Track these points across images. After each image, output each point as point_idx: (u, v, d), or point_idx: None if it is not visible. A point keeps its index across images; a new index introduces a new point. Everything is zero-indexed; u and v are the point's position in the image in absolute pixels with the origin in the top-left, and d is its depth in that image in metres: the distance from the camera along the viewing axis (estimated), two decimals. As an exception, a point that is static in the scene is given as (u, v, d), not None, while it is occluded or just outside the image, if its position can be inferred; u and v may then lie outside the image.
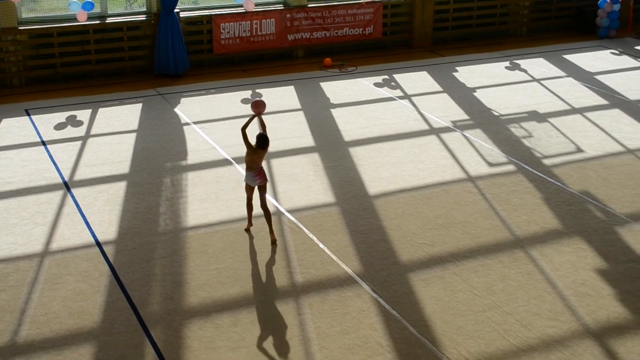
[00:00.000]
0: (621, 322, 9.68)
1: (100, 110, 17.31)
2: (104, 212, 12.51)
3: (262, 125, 11.92)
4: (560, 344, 9.22)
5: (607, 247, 11.45)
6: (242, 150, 14.99)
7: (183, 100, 18.01)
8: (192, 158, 14.70)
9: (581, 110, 17.46)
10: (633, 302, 10.07)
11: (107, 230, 11.94)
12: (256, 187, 11.57)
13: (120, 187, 13.46)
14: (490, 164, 14.46)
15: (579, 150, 15.17)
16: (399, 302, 10.08)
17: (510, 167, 14.33)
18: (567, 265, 10.98)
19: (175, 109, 17.35)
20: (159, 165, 14.38)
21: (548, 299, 10.15)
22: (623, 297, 10.21)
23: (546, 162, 14.57)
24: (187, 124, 16.47)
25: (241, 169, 14.10)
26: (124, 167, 14.27)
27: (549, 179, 13.77)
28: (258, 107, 11.75)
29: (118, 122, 16.58)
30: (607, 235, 11.82)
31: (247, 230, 11.90)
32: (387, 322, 9.60)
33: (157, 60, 19.53)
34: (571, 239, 11.72)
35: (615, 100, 18.21)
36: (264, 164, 11.98)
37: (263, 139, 11.37)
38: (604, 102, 18.09)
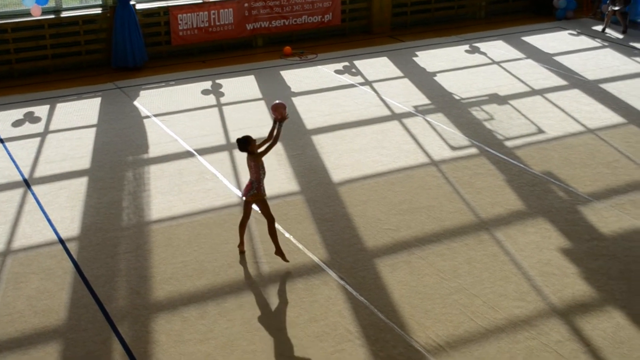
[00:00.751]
0: (586, 299, 9.77)
1: (59, 105, 17.09)
2: (66, 208, 12.37)
3: (271, 135, 10.49)
4: (527, 324, 9.29)
5: (570, 227, 11.55)
6: (204, 142, 14.96)
7: (142, 93, 17.85)
8: (153, 151, 14.58)
9: (541, 92, 17.58)
10: (597, 280, 10.18)
11: (70, 226, 11.80)
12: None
13: (82, 182, 13.31)
14: (453, 148, 14.51)
15: (540, 131, 15.28)
16: (366, 288, 10.08)
17: (473, 150, 14.40)
18: (532, 245, 11.06)
19: (135, 102, 17.19)
20: (120, 159, 14.24)
21: (514, 280, 10.22)
22: (587, 275, 10.31)
23: (508, 144, 14.66)
24: (148, 116, 16.32)
25: (204, 160, 14.02)
26: (84, 163, 14.11)
27: (512, 161, 13.86)
28: (278, 109, 10.37)
29: (77, 117, 16.39)
30: (570, 214, 11.92)
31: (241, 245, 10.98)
32: (355, 309, 9.60)
33: (115, 54, 19.32)
34: (535, 219, 11.80)
35: (574, 80, 18.37)
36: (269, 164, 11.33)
37: (237, 141, 10.40)
38: (563, 82, 18.24)
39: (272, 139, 10.37)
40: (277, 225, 11.58)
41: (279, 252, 10.53)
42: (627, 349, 8.81)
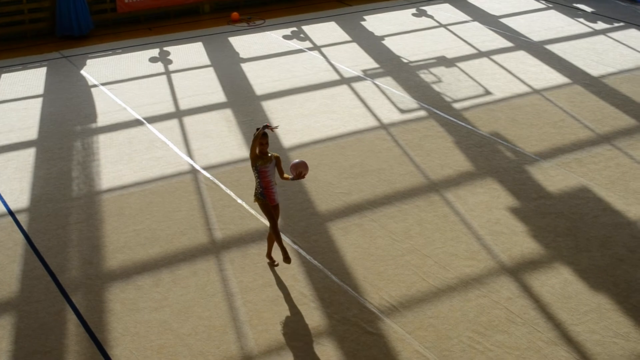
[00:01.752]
0: (535, 257, 9.97)
1: (3, 76, 16.80)
2: (14, 180, 12.22)
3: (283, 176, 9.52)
4: (478, 282, 9.46)
5: (518, 186, 11.74)
6: (153, 110, 14.85)
7: (89, 61, 17.61)
8: (102, 120, 14.43)
9: (488, 54, 17.73)
10: (545, 237, 10.38)
11: (19, 198, 11.68)
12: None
13: (30, 153, 13.14)
14: (402, 111, 14.60)
15: (487, 92, 15.44)
16: (320, 251, 10.17)
17: (422, 113, 14.51)
18: (481, 205, 11.22)
19: (82, 71, 16.96)
20: (68, 129, 14.08)
21: (464, 240, 10.38)
22: (535, 233, 10.51)
23: (456, 106, 14.80)
24: (95, 85, 16.13)
25: (153, 128, 13.93)
26: (32, 133, 13.93)
27: (460, 123, 14.00)
28: (298, 168, 9.34)
29: (22, 87, 16.13)
30: (518, 174, 12.11)
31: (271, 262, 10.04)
32: (308, 272, 9.68)
33: (59, 22, 19.00)
34: (484, 180, 11.97)
35: (520, 42, 18.55)
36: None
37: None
38: (509, 44, 18.41)
39: (282, 177, 9.45)
40: (229, 192, 11.61)
41: (284, 253, 9.45)
42: (574, 303, 9.03)
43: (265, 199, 9.43)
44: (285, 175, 9.44)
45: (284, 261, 9.38)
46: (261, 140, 9.28)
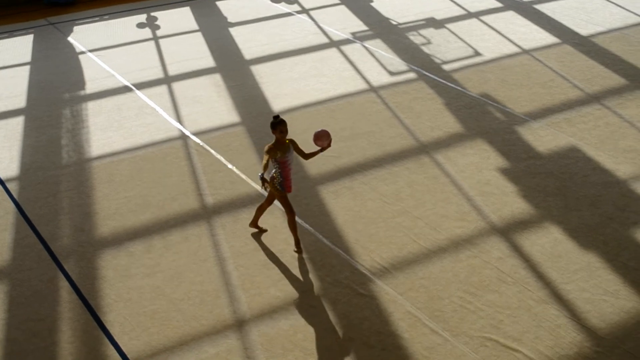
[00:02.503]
0: (525, 217, 10.01)
1: (-10, 44, 16.70)
2: (4, 148, 12.18)
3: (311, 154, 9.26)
4: (469, 243, 9.51)
5: (508, 147, 11.76)
6: (142, 76, 14.78)
7: (76, 28, 17.47)
8: (90, 87, 14.36)
9: (477, 14, 17.66)
10: (535, 197, 10.42)
11: (9, 166, 11.65)
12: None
13: (18, 122, 13.09)
14: (392, 73, 14.56)
15: (477, 53, 15.40)
16: (311, 215, 10.19)
17: (411, 75, 14.47)
18: (471, 166, 11.24)
19: (69, 38, 16.84)
20: (56, 96, 14.01)
21: (455, 201, 10.41)
22: (525, 193, 10.54)
23: (446, 67, 14.76)
24: (83, 52, 16.02)
25: (142, 95, 13.87)
26: (20, 101, 13.86)
27: (450, 84, 13.98)
28: (321, 139, 9.06)
29: (9, 55, 16.02)
30: (507, 135, 12.12)
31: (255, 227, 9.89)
32: (300, 236, 9.69)
33: (45, -11, 18.85)
34: (474, 141, 11.98)
35: (509, 2, 18.46)
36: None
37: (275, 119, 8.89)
38: (498, 4, 18.33)
39: (307, 155, 9.20)
40: (219, 157, 11.60)
41: (296, 244, 9.47)
42: (564, 262, 9.09)
43: (285, 191, 9.10)
44: (309, 153, 9.13)
45: (295, 250, 9.40)
46: (281, 128, 8.76)
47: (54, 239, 9.88)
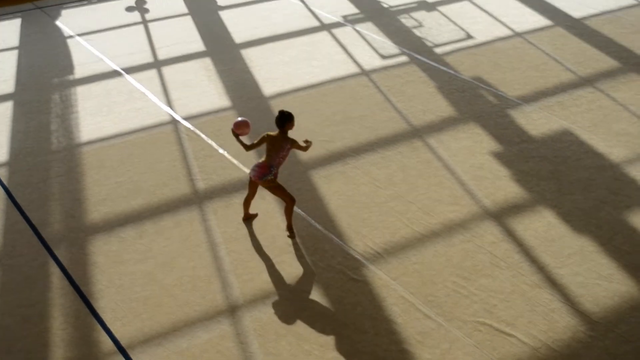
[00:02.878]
0: (518, 201, 9.99)
1: (-23, 28, 16.54)
2: (-7, 134, 12.09)
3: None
4: (462, 227, 9.48)
5: (501, 130, 11.71)
6: (131, 60, 14.66)
7: (64, 12, 17.32)
8: (79, 72, 14.24)
9: (468, -3, 17.59)
10: (528, 181, 10.39)
11: (-2, 152, 11.57)
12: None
13: (7, 107, 12.98)
14: (383, 57, 14.49)
15: (469, 36, 15.33)
16: (304, 199, 10.13)
17: (403, 58, 14.40)
18: (464, 150, 11.20)
19: (57, 22, 16.69)
20: (45, 81, 13.89)
21: (448, 185, 10.37)
22: (518, 177, 10.51)
23: (438, 50, 14.69)
24: (71, 36, 15.89)
25: (132, 79, 13.77)
26: (8, 87, 13.74)
27: (442, 67, 13.91)
28: (240, 128, 9.15)
29: (-3, 39, 15.89)
30: (500, 118, 12.08)
31: (246, 219, 9.78)
32: (293, 221, 9.64)
33: (33, -28, 18.66)
34: (466, 124, 11.93)
35: (500, -16, 18.38)
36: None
37: (281, 114, 9.09)
38: (490, -13, 18.25)
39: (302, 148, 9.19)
40: (210, 142, 11.54)
41: (289, 228, 9.44)
42: (558, 246, 9.07)
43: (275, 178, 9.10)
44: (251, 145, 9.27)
45: (289, 235, 9.38)
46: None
47: (44, 225, 9.81)
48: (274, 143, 9.02)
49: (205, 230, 9.59)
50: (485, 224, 9.54)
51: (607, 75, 13.43)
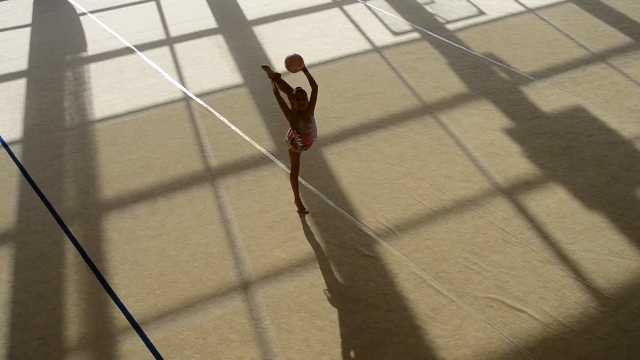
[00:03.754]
0: (530, 177, 9.99)
1: (-10, 5, 16.57)
2: (6, 111, 12.14)
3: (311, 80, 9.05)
4: (474, 204, 9.50)
5: (513, 107, 11.70)
6: (144, 37, 14.68)
7: (76, -11, 17.35)
8: (92, 49, 14.28)
9: (481, -27, 17.48)
10: (540, 158, 10.39)
11: (12, 129, 11.62)
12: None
13: (20, 84, 13.03)
14: (395, 33, 14.45)
15: (481, 12, 15.27)
16: (315, 176, 10.17)
17: (415, 35, 14.36)
18: (476, 127, 11.20)
19: (69, -1, 16.72)
20: (58, 58, 13.93)
21: (459, 162, 10.38)
22: (530, 153, 10.51)
23: (449, 27, 14.64)
24: (84, 13, 15.90)
25: (144, 56, 13.79)
26: (21, 64, 13.78)
27: (453, 44, 13.88)
28: (292, 64, 8.88)
29: (10, 16, 15.91)
30: (512, 95, 12.06)
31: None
32: (304, 197, 9.69)
33: (44, -51, 18.64)
34: (478, 101, 11.92)
35: (513, -40, 18.26)
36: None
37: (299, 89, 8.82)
38: (502, -38, 18.13)
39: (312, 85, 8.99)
40: (222, 119, 11.56)
41: (297, 201, 9.43)
42: (569, 222, 9.08)
43: (305, 149, 8.91)
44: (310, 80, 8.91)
45: (297, 210, 9.42)
46: (297, 95, 8.67)
47: (58, 202, 9.88)
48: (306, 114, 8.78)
49: (218, 207, 9.64)
50: (497, 200, 9.56)
51: (620, 51, 13.37)
